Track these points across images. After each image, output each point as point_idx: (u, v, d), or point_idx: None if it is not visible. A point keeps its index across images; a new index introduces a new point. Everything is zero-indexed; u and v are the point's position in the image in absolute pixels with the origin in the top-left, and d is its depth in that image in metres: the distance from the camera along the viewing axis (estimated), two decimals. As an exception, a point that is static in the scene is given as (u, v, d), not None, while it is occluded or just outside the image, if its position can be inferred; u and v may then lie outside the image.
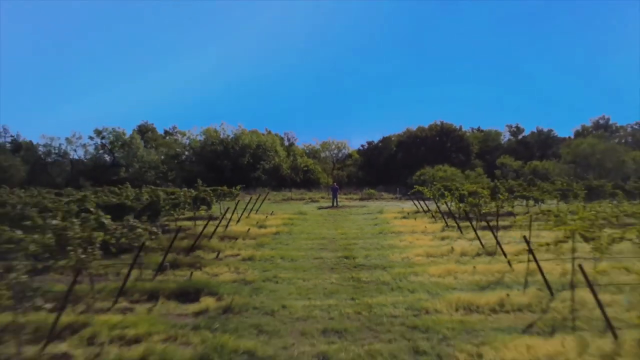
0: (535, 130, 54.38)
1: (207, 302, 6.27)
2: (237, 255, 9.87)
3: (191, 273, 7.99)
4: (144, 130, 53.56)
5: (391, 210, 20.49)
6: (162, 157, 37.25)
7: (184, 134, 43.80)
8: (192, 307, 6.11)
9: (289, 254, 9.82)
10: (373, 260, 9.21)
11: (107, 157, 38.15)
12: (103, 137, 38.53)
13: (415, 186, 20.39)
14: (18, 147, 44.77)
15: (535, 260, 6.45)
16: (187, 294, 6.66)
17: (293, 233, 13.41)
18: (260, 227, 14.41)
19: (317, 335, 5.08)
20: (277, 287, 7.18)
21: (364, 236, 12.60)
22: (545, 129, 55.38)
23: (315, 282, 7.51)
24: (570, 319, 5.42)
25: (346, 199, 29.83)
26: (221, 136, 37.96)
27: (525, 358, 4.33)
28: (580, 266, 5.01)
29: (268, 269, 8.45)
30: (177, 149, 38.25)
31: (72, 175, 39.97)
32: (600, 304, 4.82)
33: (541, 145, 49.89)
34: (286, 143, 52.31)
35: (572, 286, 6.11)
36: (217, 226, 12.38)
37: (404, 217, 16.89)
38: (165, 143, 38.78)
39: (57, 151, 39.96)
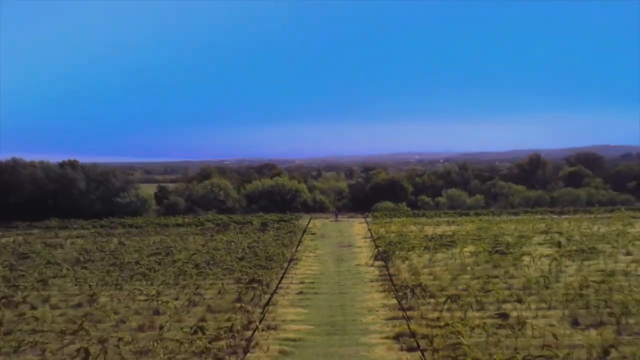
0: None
1: (315, 235, 39.98)
2: (317, 230, 43.38)
3: (314, 234, 41.58)
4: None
5: (357, 221, 53.80)
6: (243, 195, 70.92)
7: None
8: (312, 236, 39.71)
9: (329, 229, 43.77)
10: (345, 232, 43.14)
11: (212, 195, 71.32)
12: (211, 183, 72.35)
13: (366, 213, 53.78)
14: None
15: (370, 229, 40.20)
16: (312, 234, 40.33)
17: (325, 227, 46.91)
18: (315, 225, 47.86)
19: (333, 231, 38.96)
20: (327, 232, 41.35)
21: (344, 227, 46.26)
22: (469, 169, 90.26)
23: (334, 233, 41.43)
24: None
25: (341, 217, 62.71)
26: (272, 184, 72.20)
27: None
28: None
29: (324, 231, 42.25)
30: (253, 189, 71.81)
31: (188, 205, 73.01)
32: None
33: (463, 183, 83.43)
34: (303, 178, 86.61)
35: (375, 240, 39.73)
36: (307, 224, 46.05)
37: (360, 223, 50.26)
38: (249, 187, 72.73)
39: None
